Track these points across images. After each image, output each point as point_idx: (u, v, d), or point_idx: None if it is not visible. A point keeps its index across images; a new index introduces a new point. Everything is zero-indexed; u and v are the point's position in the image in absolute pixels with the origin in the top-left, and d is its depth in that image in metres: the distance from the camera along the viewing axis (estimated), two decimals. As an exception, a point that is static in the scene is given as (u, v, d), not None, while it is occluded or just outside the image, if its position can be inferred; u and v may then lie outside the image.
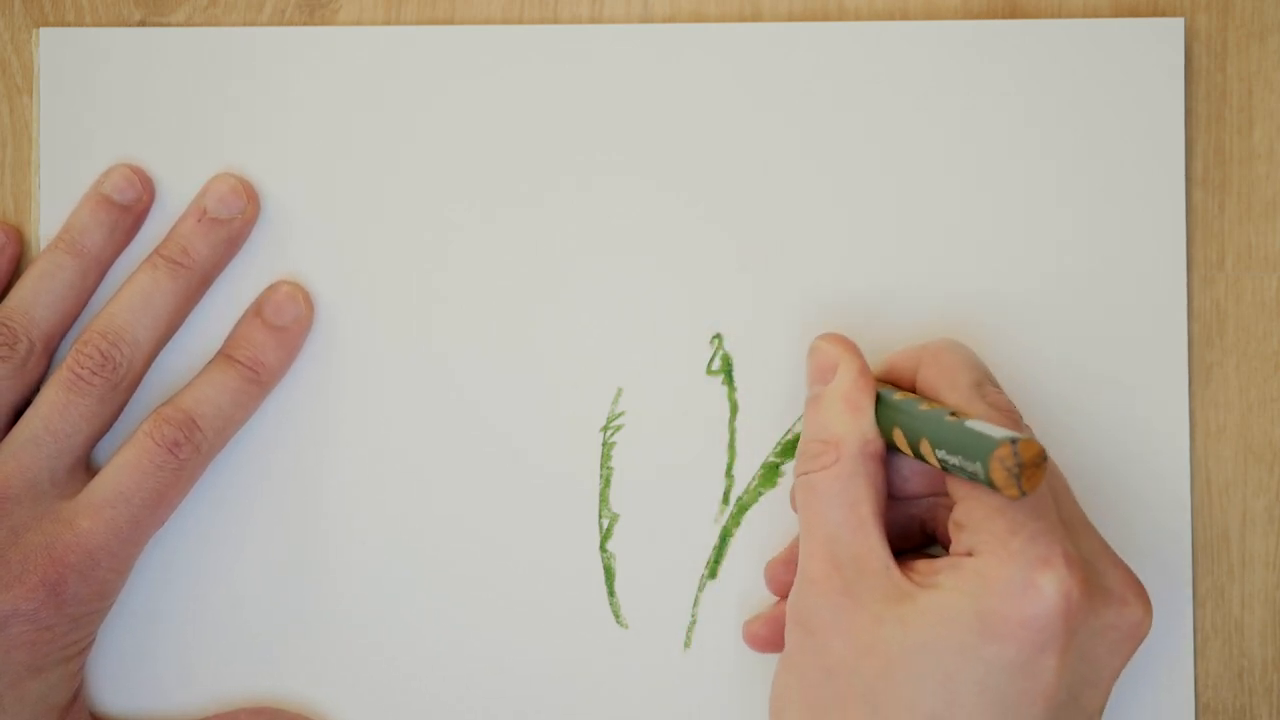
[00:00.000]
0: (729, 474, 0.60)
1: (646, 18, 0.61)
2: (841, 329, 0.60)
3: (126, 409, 0.59)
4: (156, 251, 0.59)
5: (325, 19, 0.61)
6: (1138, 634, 0.52)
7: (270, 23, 0.61)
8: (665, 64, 0.60)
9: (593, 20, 0.61)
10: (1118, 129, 0.60)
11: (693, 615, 0.60)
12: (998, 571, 0.50)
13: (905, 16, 0.61)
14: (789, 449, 0.60)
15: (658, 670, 0.60)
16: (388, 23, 0.61)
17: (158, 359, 0.60)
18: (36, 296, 0.58)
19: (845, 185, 0.60)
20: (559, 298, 0.60)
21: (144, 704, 0.60)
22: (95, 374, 0.57)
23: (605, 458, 0.60)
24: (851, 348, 0.56)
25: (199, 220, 0.59)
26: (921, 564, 0.53)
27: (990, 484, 0.50)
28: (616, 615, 0.60)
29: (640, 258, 0.60)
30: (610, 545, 0.60)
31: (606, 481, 0.60)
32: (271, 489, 0.60)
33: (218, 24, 0.61)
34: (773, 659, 0.58)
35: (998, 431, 0.51)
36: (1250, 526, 0.60)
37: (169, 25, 0.61)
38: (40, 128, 0.60)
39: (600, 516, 0.60)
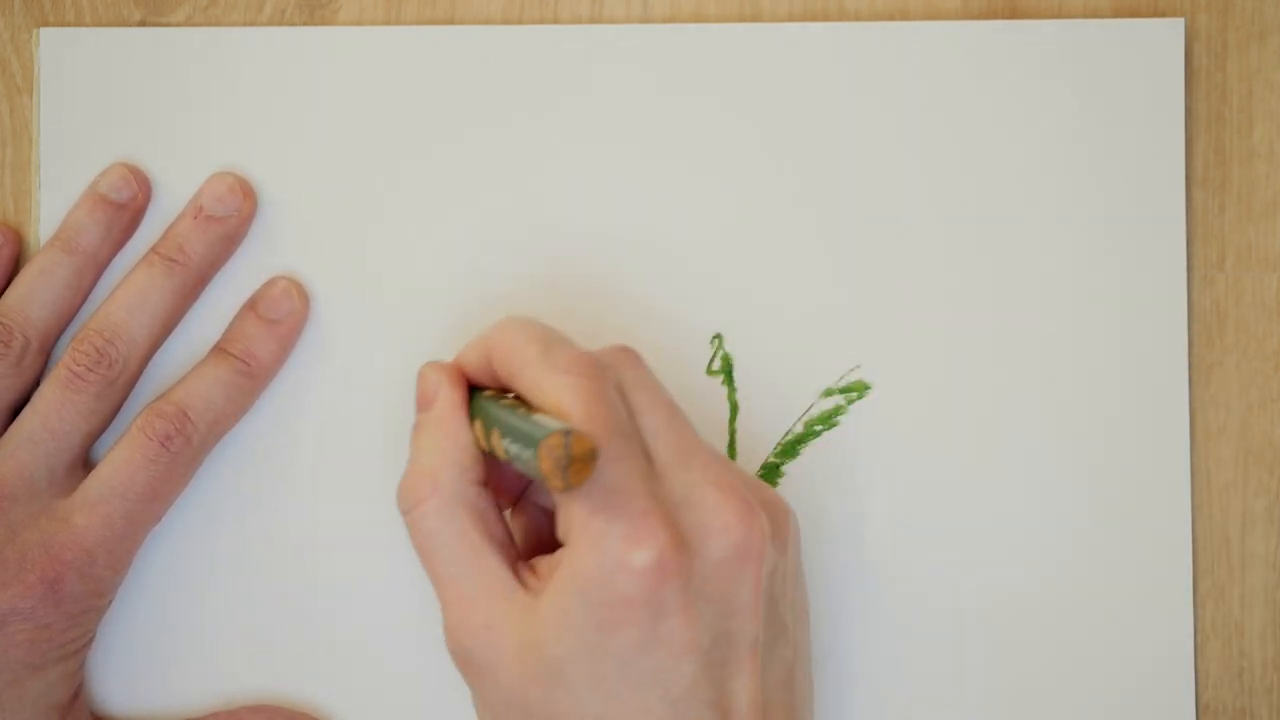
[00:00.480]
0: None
1: (646, 18, 0.61)
2: (841, 329, 0.60)
3: (124, 407, 0.59)
4: (153, 250, 0.59)
5: (325, 19, 0.61)
6: (747, 552, 0.50)
7: (270, 23, 0.61)
8: (665, 65, 0.60)
9: (593, 20, 0.61)
10: (1118, 129, 0.60)
11: (692, 615, 0.60)
12: (587, 560, 0.49)
13: (905, 17, 0.61)
14: (789, 450, 0.60)
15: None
16: (388, 23, 0.61)
17: (155, 357, 0.60)
18: (33, 295, 0.58)
19: (845, 185, 0.60)
20: (557, 297, 0.60)
21: (144, 703, 0.60)
22: (91, 371, 0.57)
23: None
24: (454, 373, 0.55)
25: (195, 218, 0.59)
26: (540, 563, 0.52)
27: (541, 476, 0.49)
28: (616, 615, 0.60)
29: (639, 257, 0.60)
30: (610, 545, 0.60)
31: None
32: (269, 486, 0.60)
33: (218, 24, 0.61)
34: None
35: (553, 424, 0.49)
36: (1250, 526, 0.60)
37: (169, 25, 0.61)
38: (40, 128, 0.60)
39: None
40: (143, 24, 0.61)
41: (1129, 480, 0.60)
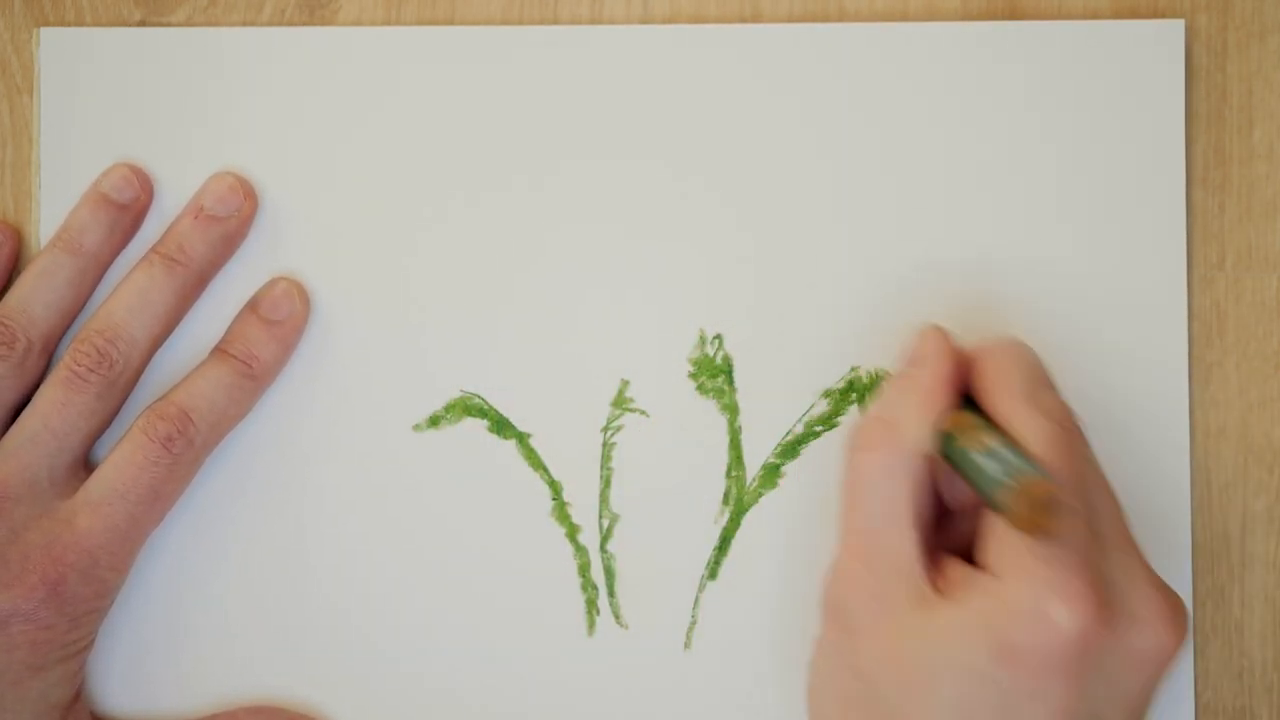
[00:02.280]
0: (729, 475, 0.60)
1: (646, 18, 0.61)
2: (841, 329, 0.60)
3: (125, 408, 0.59)
4: (154, 250, 0.59)
5: (325, 19, 0.61)
6: (1161, 657, 0.51)
7: (270, 23, 0.61)
8: (665, 65, 0.60)
9: (593, 21, 0.61)
10: (1118, 130, 0.60)
11: (693, 616, 0.60)
12: (1012, 596, 0.50)
13: (905, 17, 0.61)
14: (789, 450, 0.60)
15: (658, 671, 0.60)
16: (388, 23, 0.61)
17: (156, 358, 0.60)
18: (35, 295, 0.58)
19: (845, 185, 0.60)
20: (558, 297, 0.60)
21: (145, 704, 0.60)
22: (93, 371, 0.57)
23: (605, 458, 0.60)
24: (950, 350, 0.55)
25: (196, 218, 0.59)
26: (952, 569, 0.52)
27: (1002, 505, 0.50)
28: (617, 616, 0.60)
29: (640, 258, 0.60)
30: (610, 546, 0.60)
31: (607, 482, 0.60)
32: (270, 488, 0.60)
33: (218, 24, 0.61)
34: (772, 660, 0.58)
35: (1038, 468, 0.50)
36: (1250, 526, 0.60)
37: (169, 25, 0.61)
38: (40, 127, 0.60)
39: (600, 517, 0.60)
40: (143, 24, 0.61)
41: (1129, 478, 0.60)
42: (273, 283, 0.60)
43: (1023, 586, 0.50)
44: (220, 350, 0.59)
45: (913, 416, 0.54)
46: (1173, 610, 0.51)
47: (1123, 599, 0.51)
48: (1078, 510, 0.51)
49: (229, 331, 0.60)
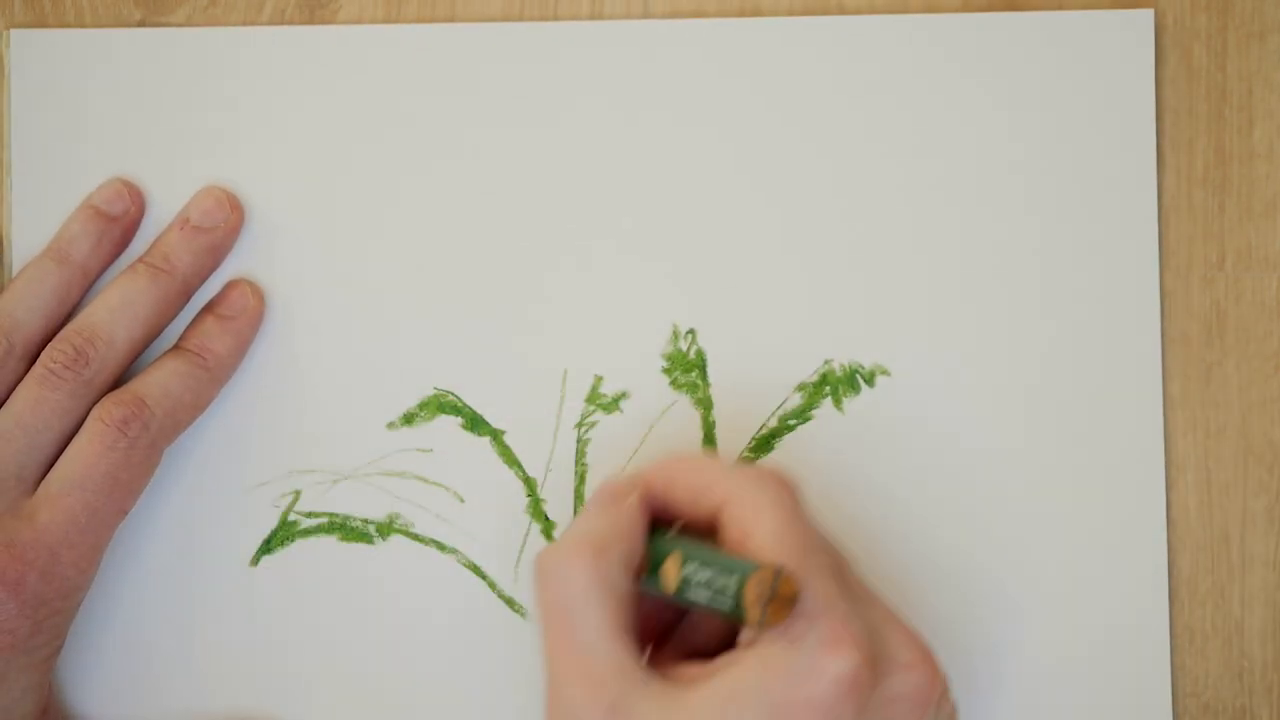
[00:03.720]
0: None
1: (646, 14, 0.61)
2: (814, 323, 0.60)
3: None
4: (140, 258, 0.60)
5: (325, 19, 0.61)
6: (922, 698, 0.51)
7: (270, 23, 0.61)
8: (665, 60, 0.60)
9: (593, 17, 0.61)
10: (1090, 121, 0.60)
11: (671, 611, 0.60)
12: (782, 658, 0.49)
13: (905, 11, 0.61)
14: (763, 444, 0.60)
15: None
16: (388, 22, 0.61)
17: (136, 368, 0.59)
18: (20, 300, 0.59)
19: (827, 180, 0.60)
20: (532, 293, 0.60)
21: (123, 717, 0.60)
22: (67, 369, 0.57)
23: (580, 454, 0.60)
24: (647, 487, 0.53)
25: (182, 229, 0.60)
26: (691, 669, 0.51)
27: (737, 604, 0.49)
28: (599, 611, 0.60)
29: (619, 253, 0.60)
30: (588, 542, 0.60)
31: (581, 478, 0.60)
32: (247, 488, 0.60)
33: (217, 24, 0.61)
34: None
35: (756, 563, 0.50)
36: (1250, 526, 0.60)
37: (169, 25, 0.61)
38: (11, 130, 0.60)
39: (575, 513, 0.60)
40: (142, 24, 0.61)
41: (1102, 476, 0.59)
42: (230, 284, 0.60)
43: (790, 645, 0.49)
44: (176, 346, 0.60)
45: (616, 533, 0.52)
46: (927, 653, 0.51)
47: (883, 645, 0.51)
48: (824, 564, 0.51)
49: (185, 329, 0.60)
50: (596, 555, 0.51)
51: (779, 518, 0.51)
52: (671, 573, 0.51)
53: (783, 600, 0.49)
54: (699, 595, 0.51)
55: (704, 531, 0.53)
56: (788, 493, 0.52)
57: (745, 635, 0.51)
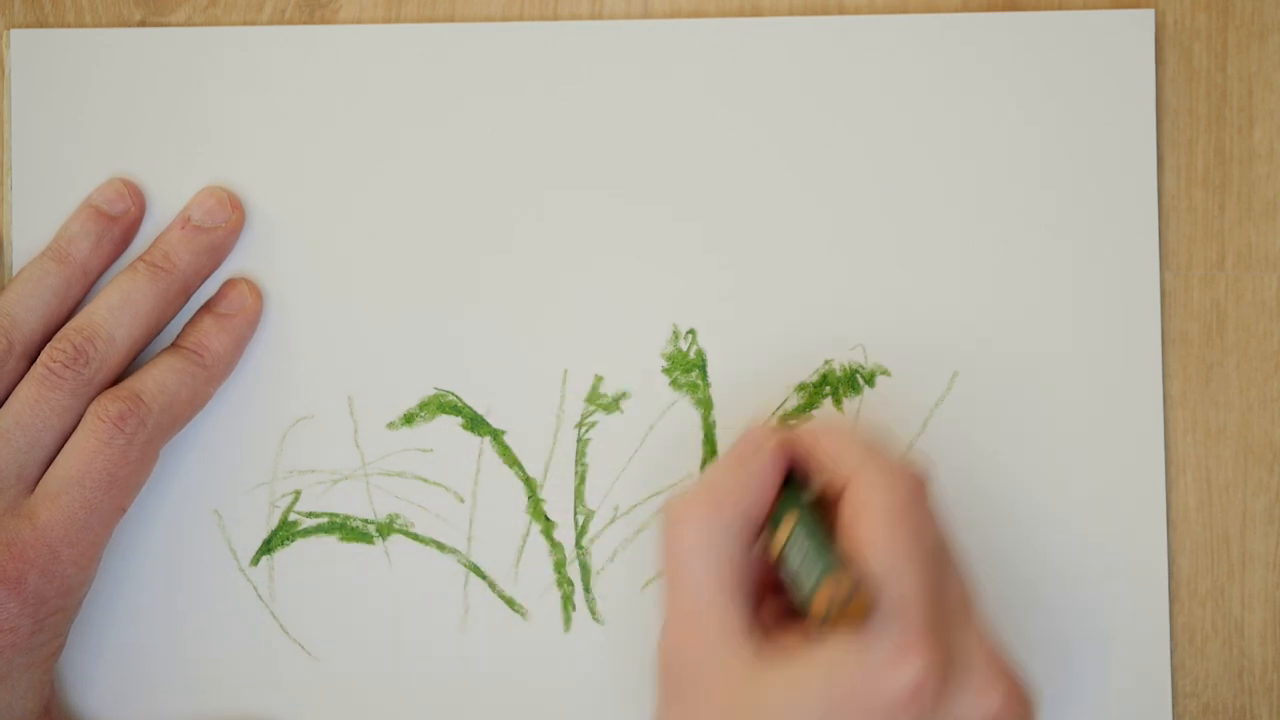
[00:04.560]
0: (704, 469, 0.60)
1: (646, 14, 0.61)
2: (814, 323, 0.60)
3: None
4: (140, 257, 0.60)
5: (325, 19, 0.61)
6: None
7: (270, 23, 0.61)
8: (665, 60, 0.60)
9: (593, 17, 0.61)
10: (1092, 120, 0.60)
11: (670, 612, 0.60)
12: (853, 656, 0.49)
13: (905, 11, 0.61)
14: (764, 444, 0.60)
15: (634, 667, 0.60)
16: (388, 22, 0.61)
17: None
18: (20, 300, 0.59)
19: (827, 179, 0.60)
20: (532, 294, 0.60)
21: (126, 718, 0.60)
22: (67, 367, 0.57)
23: (580, 454, 0.60)
24: (783, 443, 0.54)
25: (183, 228, 0.60)
26: (784, 635, 0.52)
27: (807, 602, 0.50)
28: (593, 612, 0.60)
29: (619, 253, 0.60)
30: (586, 542, 0.60)
31: (581, 478, 0.60)
32: (248, 485, 0.60)
33: (217, 24, 0.61)
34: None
35: (848, 572, 0.50)
36: (1250, 526, 0.60)
37: (169, 25, 0.61)
38: (12, 130, 0.60)
39: (575, 513, 0.60)
40: (143, 24, 0.61)
41: (1102, 482, 0.59)
42: (229, 283, 0.60)
43: (864, 645, 0.49)
44: (173, 344, 0.60)
45: (742, 489, 0.53)
46: (1010, 680, 0.51)
47: (961, 664, 0.50)
48: (927, 563, 0.50)
49: (183, 327, 0.60)
50: (716, 511, 0.52)
51: (893, 510, 0.51)
52: (780, 538, 0.52)
53: (854, 611, 0.49)
54: (789, 570, 0.51)
55: (837, 498, 0.53)
56: (912, 487, 0.52)
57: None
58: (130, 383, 0.58)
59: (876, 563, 0.50)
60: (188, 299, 0.60)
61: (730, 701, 0.51)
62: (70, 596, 0.57)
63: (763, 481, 0.53)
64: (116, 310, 0.58)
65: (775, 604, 0.54)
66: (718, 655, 0.51)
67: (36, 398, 0.57)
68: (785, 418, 0.60)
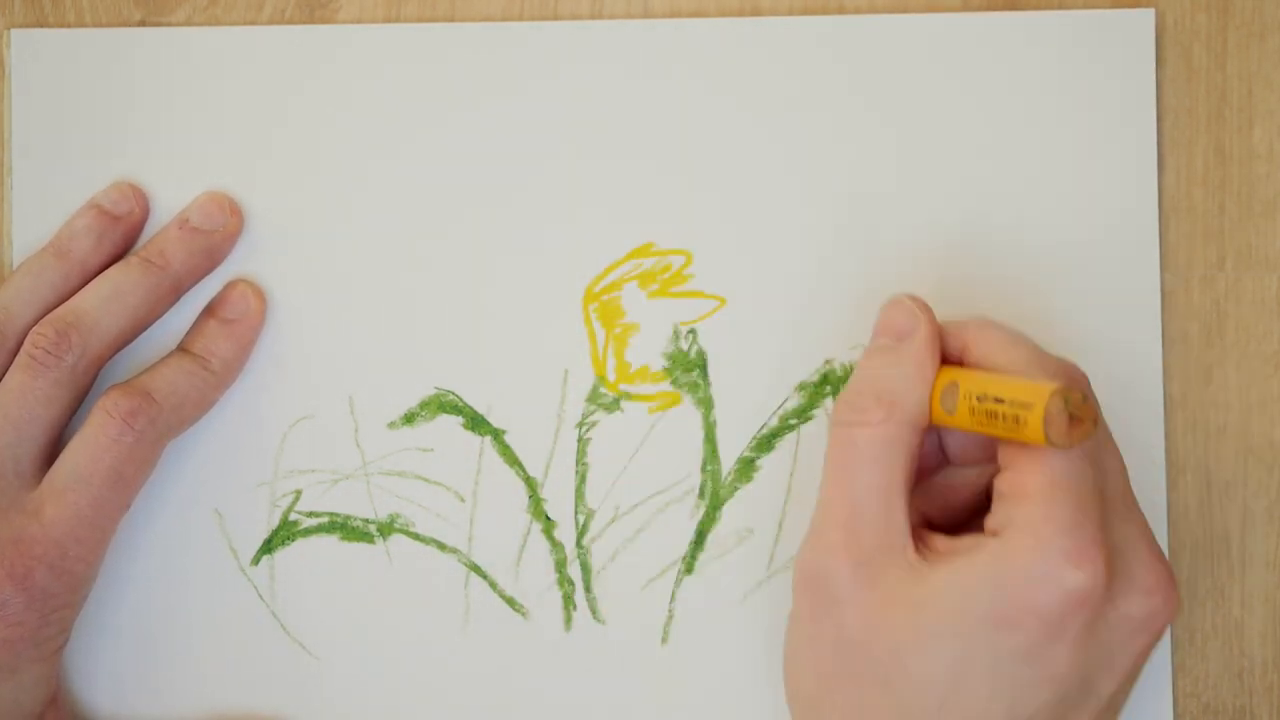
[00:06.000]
0: (704, 469, 0.60)
1: (646, 14, 0.61)
2: (815, 323, 0.60)
3: (89, 403, 0.59)
4: (135, 252, 0.60)
5: (325, 19, 0.61)
6: (1154, 625, 0.51)
7: (270, 23, 0.61)
8: (665, 60, 0.60)
9: (593, 17, 0.61)
10: (1092, 120, 0.60)
11: (670, 611, 0.60)
12: (1021, 559, 0.49)
13: (905, 11, 0.61)
14: (764, 443, 0.60)
15: (635, 666, 0.60)
16: (388, 22, 0.61)
17: (128, 364, 0.59)
18: (17, 293, 0.59)
19: (845, 184, 0.60)
20: (533, 293, 0.60)
21: (132, 713, 0.60)
22: (49, 354, 0.57)
23: (580, 454, 0.60)
24: (931, 313, 0.54)
25: (181, 229, 0.60)
26: (941, 541, 0.52)
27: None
28: (594, 611, 0.60)
29: (620, 252, 0.60)
30: (586, 541, 0.60)
31: (582, 478, 0.60)
32: (250, 487, 0.60)
33: (217, 24, 0.61)
34: (750, 655, 0.58)
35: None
36: (1250, 526, 0.60)
37: (169, 25, 0.61)
38: (12, 130, 0.60)
39: (576, 513, 0.60)
40: (143, 24, 0.61)
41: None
42: (230, 285, 0.60)
43: (1032, 547, 0.49)
44: (180, 348, 0.60)
45: (909, 388, 0.53)
46: (1168, 579, 0.51)
47: (1125, 565, 0.51)
48: (1089, 471, 0.51)
49: (188, 333, 0.60)
50: (888, 412, 0.52)
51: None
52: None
53: (1084, 419, 0.49)
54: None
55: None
56: (1080, 385, 0.52)
57: (991, 522, 0.51)
58: (141, 380, 0.58)
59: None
60: (178, 299, 0.60)
61: (890, 596, 0.51)
62: (76, 592, 0.57)
63: (925, 376, 0.53)
64: (105, 299, 0.58)
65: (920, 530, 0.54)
66: (882, 555, 0.51)
67: (21, 387, 0.57)
68: (786, 417, 0.60)
